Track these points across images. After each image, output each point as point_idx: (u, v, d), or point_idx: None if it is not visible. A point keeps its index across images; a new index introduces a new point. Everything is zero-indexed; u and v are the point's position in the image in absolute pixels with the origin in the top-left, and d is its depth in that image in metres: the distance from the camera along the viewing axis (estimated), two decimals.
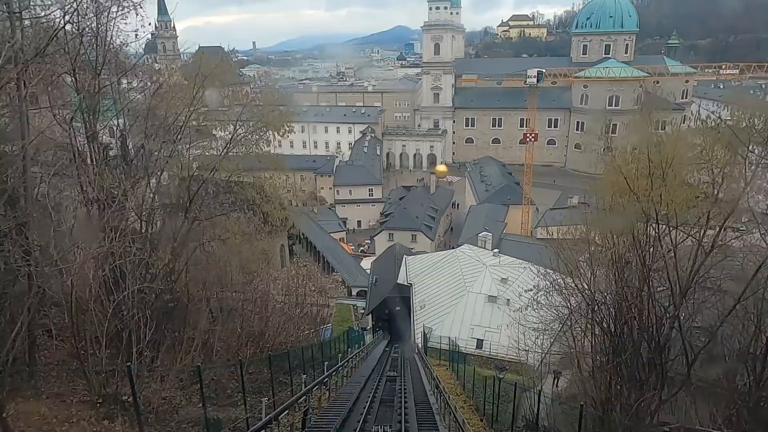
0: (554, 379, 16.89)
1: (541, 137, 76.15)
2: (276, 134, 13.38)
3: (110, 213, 9.08)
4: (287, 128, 13.36)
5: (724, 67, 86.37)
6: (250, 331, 13.15)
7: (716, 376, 9.25)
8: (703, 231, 7.74)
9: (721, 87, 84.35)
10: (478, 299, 27.29)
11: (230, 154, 12.18)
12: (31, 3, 9.61)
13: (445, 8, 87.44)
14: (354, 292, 39.79)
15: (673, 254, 7.76)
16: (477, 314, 26.62)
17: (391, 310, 33.62)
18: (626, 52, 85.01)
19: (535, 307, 11.07)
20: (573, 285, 9.82)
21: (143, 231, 10.35)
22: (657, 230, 7.88)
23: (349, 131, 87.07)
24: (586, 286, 9.40)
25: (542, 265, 13.51)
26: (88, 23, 10.62)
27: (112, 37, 11.13)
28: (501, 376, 12.60)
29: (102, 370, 6.44)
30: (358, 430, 8.37)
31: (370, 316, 33.25)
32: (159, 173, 11.21)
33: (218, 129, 13.76)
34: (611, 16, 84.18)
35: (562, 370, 16.40)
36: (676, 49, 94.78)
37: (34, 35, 10.21)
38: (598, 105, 77.39)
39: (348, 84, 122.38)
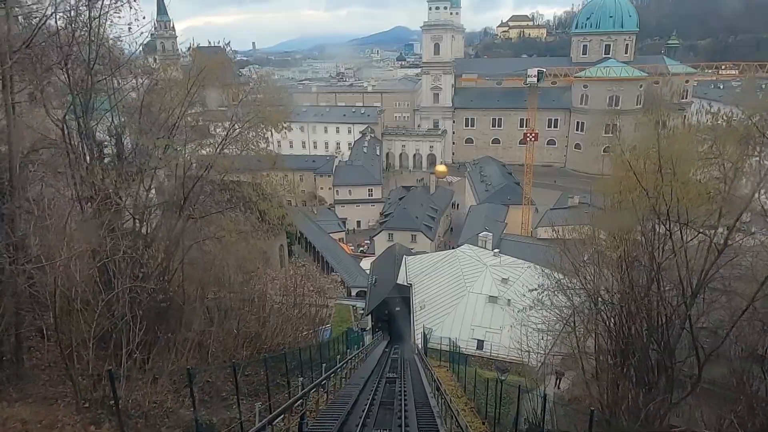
0: (556, 380, 16.63)
1: (541, 137, 76.02)
2: (274, 131, 13.13)
3: (102, 210, 8.85)
4: (285, 125, 13.10)
5: (723, 67, 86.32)
6: (247, 331, 12.89)
7: (723, 378, 9.01)
8: (715, 228, 7.49)
9: (721, 87, 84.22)
10: (478, 299, 27.05)
11: (226, 151, 11.92)
12: None
13: (445, 8, 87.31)
14: (353, 293, 39.53)
15: (683, 252, 7.49)
16: (477, 315, 26.38)
17: (391, 311, 33.38)
18: (626, 52, 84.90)
19: (540, 307, 10.79)
20: (578, 284, 9.56)
21: (136, 229, 10.09)
22: (668, 227, 7.60)
23: (349, 131, 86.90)
24: (591, 285, 9.14)
25: (544, 264, 13.27)
26: (81, 16, 10.38)
27: (105, 32, 10.89)
28: (503, 377, 12.33)
29: (89, 373, 6.18)
30: None
31: (369, 316, 33.00)
32: (153, 171, 10.94)
33: (215, 127, 13.51)
34: (611, 16, 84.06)
35: (565, 370, 16.15)
36: (675, 50, 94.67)
37: (25, 28, 9.98)
38: (598, 105, 77.26)
39: (348, 84, 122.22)
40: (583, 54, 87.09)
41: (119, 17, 10.72)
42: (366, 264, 46.28)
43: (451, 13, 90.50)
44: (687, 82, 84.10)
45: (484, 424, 11.78)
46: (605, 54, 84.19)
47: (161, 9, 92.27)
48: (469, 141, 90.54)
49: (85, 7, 10.16)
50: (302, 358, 11.97)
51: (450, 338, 22.75)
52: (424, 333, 24.41)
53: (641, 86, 76.60)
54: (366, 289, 36.74)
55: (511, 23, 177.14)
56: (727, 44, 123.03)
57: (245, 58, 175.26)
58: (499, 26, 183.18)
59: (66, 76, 10.43)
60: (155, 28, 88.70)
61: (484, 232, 37.95)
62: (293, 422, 8.88)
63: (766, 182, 7.36)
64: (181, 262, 10.82)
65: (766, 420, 7.40)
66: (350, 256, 52.37)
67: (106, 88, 11.34)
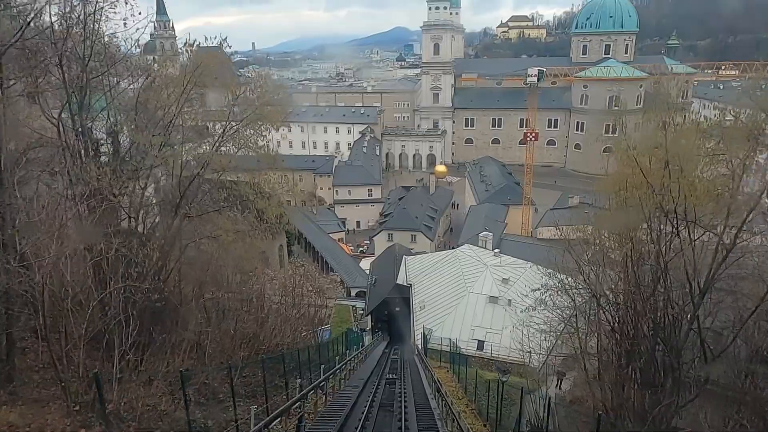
0: (558, 380, 16.45)
1: (541, 137, 75.91)
2: (272, 130, 12.94)
3: (96, 208, 8.68)
4: (282, 123, 12.91)
5: (723, 67, 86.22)
6: (245, 332, 12.71)
7: (728, 379, 8.84)
8: (723, 226, 7.31)
9: (721, 87, 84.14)
10: (479, 300, 26.88)
11: (223, 149, 11.74)
12: None
13: (445, 8, 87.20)
14: (353, 293, 39.37)
15: (691, 250, 7.32)
16: (478, 315, 26.20)
17: (391, 311, 33.21)
18: (626, 53, 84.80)
19: (542, 307, 10.61)
20: (581, 283, 9.38)
21: (132, 228, 9.91)
22: (675, 224, 7.43)
23: (349, 131, 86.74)
24: (594, 284, 8.96)
25: (546, 264, 13.09)
26: (75, 12, 10.21)
27: (100, 28, 10.73)
28: (504, 379, 12.14)
29: (80, 375, 5.99)
30: None
31: (369, 317, 32.82)
32: (149, 169, 10.76)
33: (214, 125, 13.33)
34: (611, 16, 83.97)
35: (566, 371, 15.98)
36: (675, 50, 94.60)
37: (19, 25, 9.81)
38: (598, 105, 77.13)
39: (347, 84, 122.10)
40: (583, 54, 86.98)
41: (114, 12, 10.58)
42: (366, 264, 46.11)
43: (450, 13, 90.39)
44: (687, 82, 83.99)
45: (485, 426, 11.60)
46: (605, 54, 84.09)
47: (161, 9, 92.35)
48: (468, 141, 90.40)
49: (79, 2, 10.01)
50: (300, 359, 11.79)
51: (450, 339, 22.57)
52: (424, 333, 24.24)
53: (641, 86, 76.49)
54: (366, 290, 36.56)
55: (510, 23, 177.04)
56: (727, 44, 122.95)
57: (245, 59, 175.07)
58: (498, 27, 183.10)
59: (61, 72, 10.27)
60: (155, 29, 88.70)
61: (484, 232, 37.77)
62: (291, 424, 8.72)
63: None
64: (177, 262, 10.64)
65: None
66: (350, 256, 52.19)
67: (102, 85, 11.19)
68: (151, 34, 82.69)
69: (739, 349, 8.63)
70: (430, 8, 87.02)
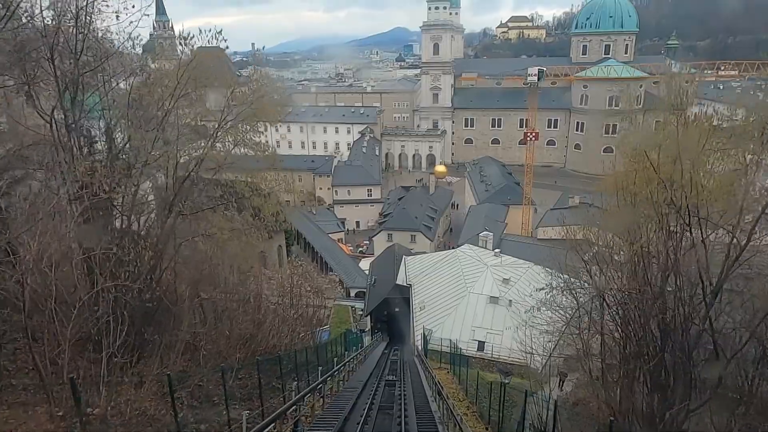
0: (560, 381, 16.20)
1: (541, 137, 75.76)
2: (270, 128, 12.67)
3: (87, 205, 8.42)
4: (280, 119, 12.66)
5: (723, 67, 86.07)
6: (241, 333, 12.44)
7: (734, 380, 8.60)
8: (737, 221, 7.05)
9: (721, 88, 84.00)
10: (479, 300, 26.61)
11: (219, 145, 11.46)
12: None
13: (444, 8, 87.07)
14: (352, 293, 39.12)
15: (703, 247, 7.06)
16: (478, 315, 25.93)
17: (391, 312, 32.97)
18: (626, 53, 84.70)
19: (546, 307, 10.35)
20: (587, 281, 9.11)
21: (124, 226, 9.65)
22: (687, 220, 7.15)
23: (348, 131, 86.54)
24: (599, 282, 8.70)
25: (548, 264, 12.84)
26: (67, 4, 9.97)
27: (92, 21, 10.48)
28: (506, 380, 11.88)
29: (65, 378, 5.73)
30: None
31: (368, 317, 32.55)
32: (142, 166, 10.49)
33: (212, 125, 13.07)
34: (611, 16, 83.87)
35: (568, 372, 15.73)
36: (675, 50, 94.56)
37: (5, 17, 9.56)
38: (598, 105, 77.00)
39: (347, 85, 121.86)
40: (582, 54, 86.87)
41: (107, 5, 10.34)
42: (365, 264, 45.88)
43: (450, 13, 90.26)
44: (687, 82, 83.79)
45: (487, 429, 11.34)
46: (605, 54, 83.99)
47: (160, 9, 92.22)
48: (468, 141, 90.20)
49: None
50: (298, 360, 11.53)
51: (450, 339, 22.32)
52: (424, 334, 23.98)
53: (641, 86, 76.32)
54: (365, 290, 36.31)
55: (510, 24, 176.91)
56: (727, 45, 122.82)
57: (245, 59, 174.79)
58: (498, 27, 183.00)
59: (52, 66, 10.02)
60: (154, 29, 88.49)
61: (484, 232, 37.53)
62: (287, 429, 8.45)
63: None
64: (171, 261, 10.37)
65: None
66: (349, 256, 51.96)
67: (96, 80, 10.95)
68: (150, 34, 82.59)
69: (746, 350, 8.39)
70: (429, 8, 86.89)
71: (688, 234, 7.35)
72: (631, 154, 8.22)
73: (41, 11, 10.02)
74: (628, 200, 7.97)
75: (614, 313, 8.58)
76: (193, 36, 11.50)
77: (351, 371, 16.17)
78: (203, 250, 12.14)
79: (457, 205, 67.42)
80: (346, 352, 19.17)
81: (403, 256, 35.17)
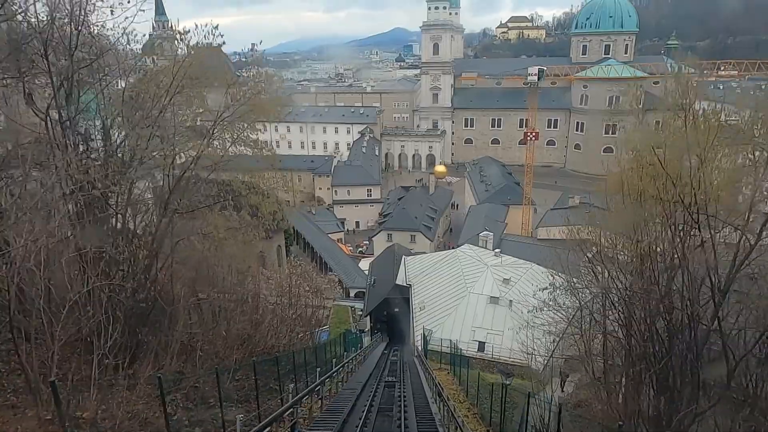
0: (561, 382, 16.03)
1: (541, 137, 75.66)
2: (268, 125, 12.50)
3: (81, 202, 8.25)
4: (278, 118, 12.50)
5: (723, 67, 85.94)
6: (238, 333, 12.26)
7: (738, 382, 8.44)
8: (746, 218, 6.88)
9: (721, 88, 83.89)
10: (479, 300, 26.45)
11: (216, 143, 11.30)
12: None
13: (444, 8, 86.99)
14: (352, 294, 38.95)
15: (712, 244, 6.89)
16: (478, 316, 25.76)
17: (390, 312, 32.80)
18: (626, 53, 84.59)
19: (548, 307, 10.18)
20: (590, 280, 8.94)
21: (118, 224, 9.47)
22: (696, 217, 6.98)
23: (348, 131, 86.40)
24: (603, 281, 8.53)
25: (549, 263, 12.68)
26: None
27: (87, 16, 10.31)
28: (508, 382, 11.70)
29: (52, 380, 5.53)
30: None
31: (368, 317, 32.38)
32: (137, 164, 10.32)
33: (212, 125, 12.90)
34: (611, 16, 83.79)
35: (570, 372, 15.57)
36: (675, 50, 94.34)
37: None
38: (598, 105, 76.88)
39: (347, 85, 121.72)
40: (582, 54, 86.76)
41: (102, 0, 10.18)
42: (365, 264, 45.71)
43: (450, 13, 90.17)
44: (687, 82, 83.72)
45: (488, 431, 11.16)
46: (605, 54, 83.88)
47: (159, 9, 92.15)
48: (468, 141, 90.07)
49: None
50: (296, 361, 11.34)
51: (450, 340, 22.14)
52: (424, 334, 23.81)
53: (641, 86, 76.14)
54: (365, 290, 36.14)
55: (510, 24, 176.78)
56: (726, 45, 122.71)
57: (244, 59, 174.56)
58: (498, 27, 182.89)
59: (46, 62, 9.86)
60: (153, 29, 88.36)
61: (484, 232, 37.37)
62: (284, 431, 8.28)
63: None
64: (166, 260, 10.19)
65: None
66: (349, 256, 51.79)
67: (91, 77, 10.79)
68: (150, 35, 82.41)
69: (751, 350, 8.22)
70: (429, 8, 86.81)
71: (696, 232, 7.18)
72: (637, 150, 8.05)
73: (34, 5, 9.87)
74: (635, 198, 7.80)
75: (619, 312, 8.40)
76: (189, 31, 11.35)
77: (350, 372, 15.98)
78: (200, 250, 11.96)
79: (457, 205, 67.27)
80: (346, 353, 18.98)
81: (403, 256, 35.00)
